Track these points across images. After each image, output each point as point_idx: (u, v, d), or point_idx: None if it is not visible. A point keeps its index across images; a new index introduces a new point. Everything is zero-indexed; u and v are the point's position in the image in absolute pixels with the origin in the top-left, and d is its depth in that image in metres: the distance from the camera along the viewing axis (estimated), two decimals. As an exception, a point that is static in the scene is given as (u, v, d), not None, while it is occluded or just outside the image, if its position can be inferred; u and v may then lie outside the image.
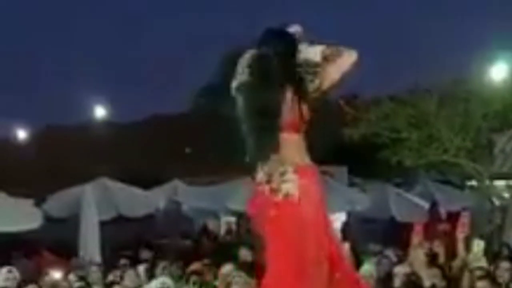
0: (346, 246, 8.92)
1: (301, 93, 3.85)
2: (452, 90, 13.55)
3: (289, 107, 3.81)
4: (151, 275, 8.39)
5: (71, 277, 8.79)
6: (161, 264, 8.54)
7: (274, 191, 3.77)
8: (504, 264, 7.63)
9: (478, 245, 8.04)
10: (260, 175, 3.84)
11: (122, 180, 16.12)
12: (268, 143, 3.74)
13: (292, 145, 3.82)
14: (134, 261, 10.63)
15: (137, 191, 16.02)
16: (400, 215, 15.42)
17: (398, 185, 17.66)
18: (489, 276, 6.80)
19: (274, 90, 3.79)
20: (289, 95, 3.83)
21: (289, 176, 3.76)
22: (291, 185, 3.76)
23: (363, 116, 13.77)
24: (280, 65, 3.83)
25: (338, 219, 14.52)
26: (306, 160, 3.87)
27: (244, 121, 3.78)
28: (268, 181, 3.78)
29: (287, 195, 3.76)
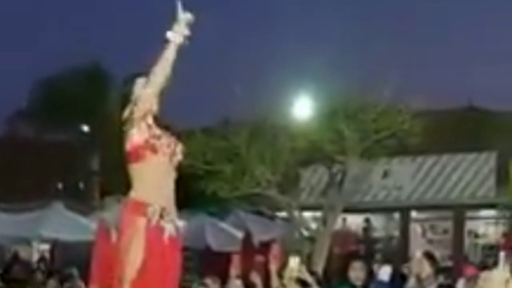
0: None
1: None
2: (261, 124, 14.06)
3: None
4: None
5: None
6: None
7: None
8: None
9: (295, 261, 8.51)
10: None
11: None
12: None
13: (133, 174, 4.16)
14: None
15: None
16: (216, 244, 15.78)
17: (212, 214, 18.03)
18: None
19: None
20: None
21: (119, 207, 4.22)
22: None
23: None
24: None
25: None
26: (135, 190, 4.19)
27: None
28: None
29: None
